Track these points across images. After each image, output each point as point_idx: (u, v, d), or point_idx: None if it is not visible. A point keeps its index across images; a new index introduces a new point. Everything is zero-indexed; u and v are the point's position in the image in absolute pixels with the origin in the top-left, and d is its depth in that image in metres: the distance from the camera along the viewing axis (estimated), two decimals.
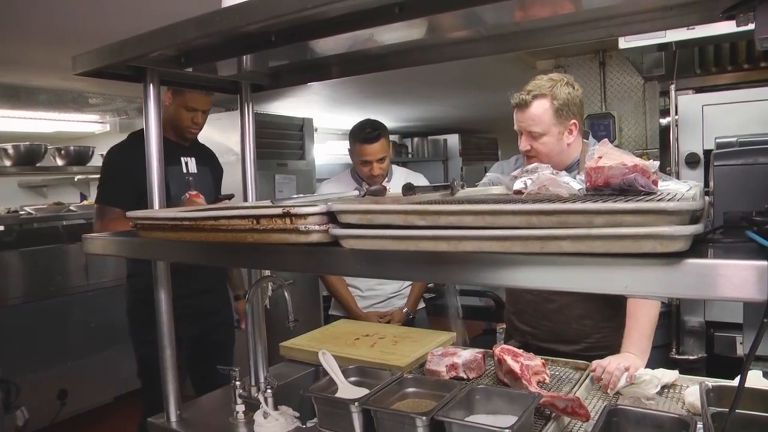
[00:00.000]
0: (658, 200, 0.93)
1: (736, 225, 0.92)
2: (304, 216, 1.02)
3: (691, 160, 2.79)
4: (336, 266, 1.08)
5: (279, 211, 1.05)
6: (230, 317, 2.86)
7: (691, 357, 2.76)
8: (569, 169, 1.94)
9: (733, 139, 1.01)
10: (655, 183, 1.17)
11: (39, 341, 4.05)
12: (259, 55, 1.61)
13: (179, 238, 1.27)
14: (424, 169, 6.65)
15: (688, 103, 2.85)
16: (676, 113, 2.85)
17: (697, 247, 0.79)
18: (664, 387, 1.69)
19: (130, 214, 1.41)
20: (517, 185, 1.27)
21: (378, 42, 1.47)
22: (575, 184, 1.29)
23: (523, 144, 2.05)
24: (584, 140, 2.14)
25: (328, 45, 1.49)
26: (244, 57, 1.62)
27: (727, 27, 2.08)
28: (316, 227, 1.02)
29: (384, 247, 0.94)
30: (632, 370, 1.71)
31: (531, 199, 1.05)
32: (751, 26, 1.05)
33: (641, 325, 1.93)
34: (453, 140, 7.77)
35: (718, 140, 1.04)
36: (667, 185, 1.28)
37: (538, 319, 2.17)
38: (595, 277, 0.81)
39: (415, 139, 7.90)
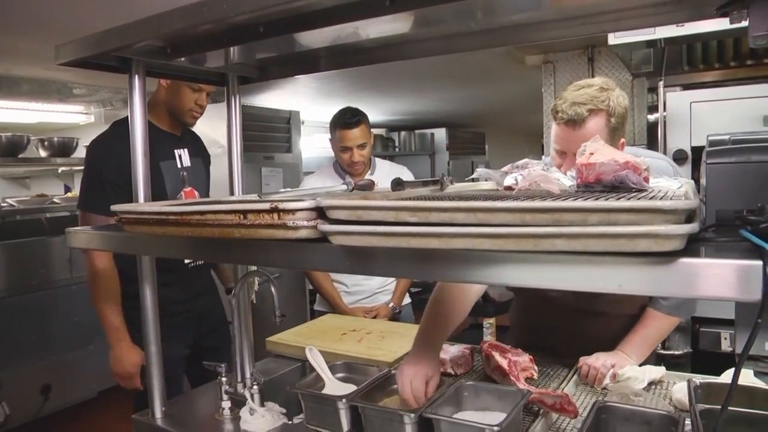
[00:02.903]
0: (651, 198, 0.93)
1: (729, 223, 0.92)
2: (292, 211, 1.00)
3: (679, 157, 2.81)
4: (324, 263, 1.06)
5: (267, 206, 1.03)
6: (224, 321, 2.63)
7: (676, 352, 2.78)
8: None
9: (726, 137, 1.01)
10: (646, 180, 1.17)
11: (21, 335, 3.99)
12: (247, 47, 1.59)
13: (165, 233, 1.25)
14: (411, 163, 6.64)
15: (676, 100, 2.87)
16: (665, 110, 2.86)
17: (691, 245, 0.78)
18: (651, 383, 1.69)
19: (114, 207, 1.38)
20: (508, 181, 1.26)
21: (368, 35, 1.45)
22: (566, 180, 1.28)
23: (567, 166, 1.64)
24: None
25: (318, 37, 1.47)
26: (232, 48, 1.59)
27: (715, 24, 2.08)
28: (305, 223, 1.00)
29: (374, 243, 0.92)
30: (617, 368, 1.70)
31: (523, 196, 1.04)
32: (744, 23, 1.05)
33: (647, 331, 1.85)
34: (440, 134, 7.76)
35: (710, 138, 1.04)
36: (658, 182, 1.27)
37: (572, 338, 1.94)
38: (588, 276, 0.80)
39: (402, 133, 7.88)
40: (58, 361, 4.19)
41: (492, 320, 2.55)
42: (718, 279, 0.73)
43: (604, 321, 1.93)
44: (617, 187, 1.15)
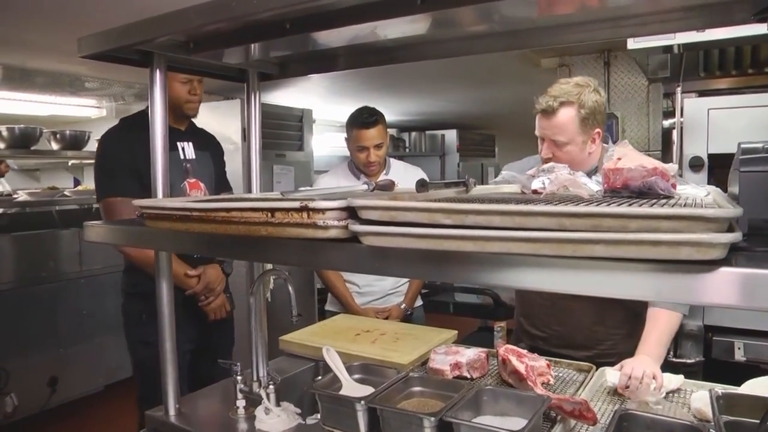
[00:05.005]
0: (684, 205, 0.92)
1: (762, 233, 0.90)
2: (323, 211, 0.99)
3: (696, 164, 2.79)
4: (352, 263, 1.05)
5: (296, 204, 1.02)
6: (230, 319, 2.70)
7: (689, 361, 2.75)
8: (588, 175, 1.87)
9: (759, 145, 1.00)
10: (673, 187, 1.16)
11: (30, 327, 4.01)
12: (270, 44, 1.58)
13: (188, 229, 1.24)
14: (421, 164, 6.59)
15: (693, 106, 2.84)
16: (682, 116, 2.84)
17: (728, 254, 0.77)
18: (668, 392, 1.67)
19: (136, 202, 1.38)
20: (535, 184, 1.26)
21: (386, 35, 1.43)
22: (593, 185, 1.27)
23: (546, 152, 1.99)
24: (604, 144, 2.06)
25: (337, 36, 1.46)
26: (254, 45, 1.59)
27: (735, 31, 2.06)
28: (335, 222, 0.99)
29: (406, 245, 0.91)
30: (660, 379, 1.64)
31: (556, 200, 1.03)
32: None
33: (660, 331, 1.84)
34: (451, 135, 7.73)
35: (743, 146, 1.02)
36: (684, 189, 1.26)
37: (549, 324, 2.10)
38: (626, 283, 0.78)
39: (413, 134, 7.86)
40: (65, 354, 4.21)
41: (503, 324, 2.54)
42: (761, 290, 0.72)
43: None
44: (644, 193, 1.14)
